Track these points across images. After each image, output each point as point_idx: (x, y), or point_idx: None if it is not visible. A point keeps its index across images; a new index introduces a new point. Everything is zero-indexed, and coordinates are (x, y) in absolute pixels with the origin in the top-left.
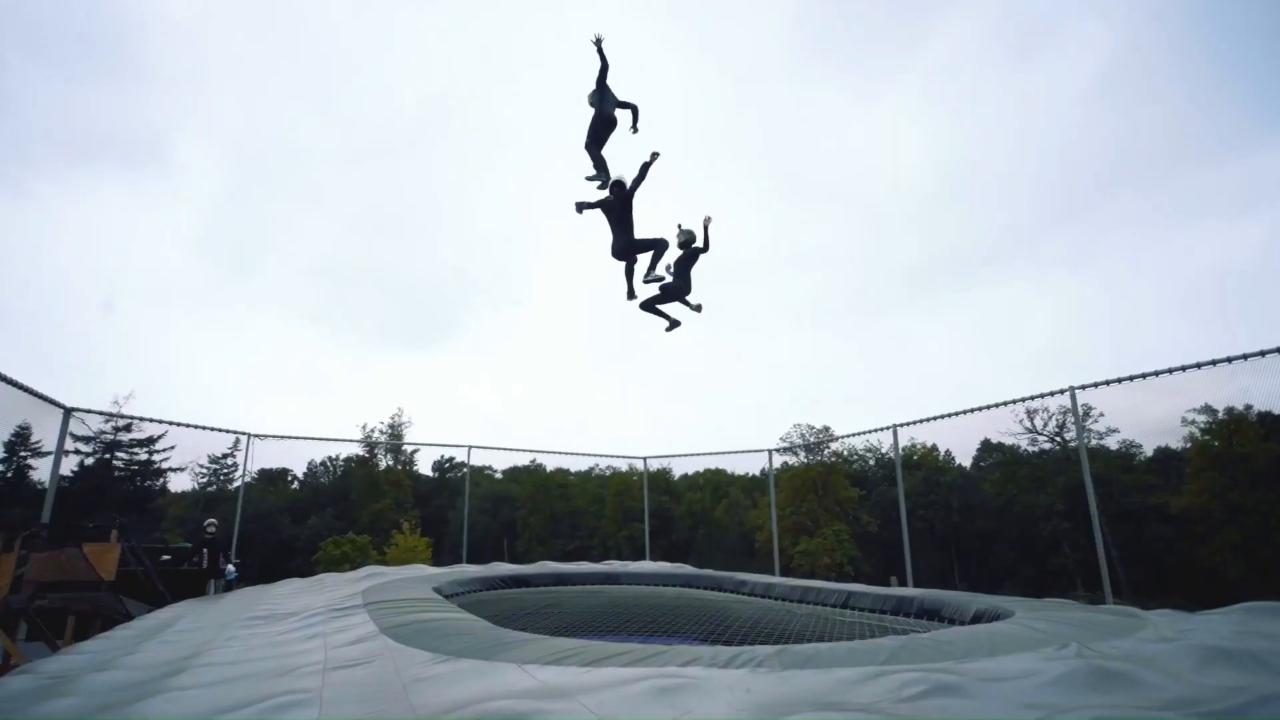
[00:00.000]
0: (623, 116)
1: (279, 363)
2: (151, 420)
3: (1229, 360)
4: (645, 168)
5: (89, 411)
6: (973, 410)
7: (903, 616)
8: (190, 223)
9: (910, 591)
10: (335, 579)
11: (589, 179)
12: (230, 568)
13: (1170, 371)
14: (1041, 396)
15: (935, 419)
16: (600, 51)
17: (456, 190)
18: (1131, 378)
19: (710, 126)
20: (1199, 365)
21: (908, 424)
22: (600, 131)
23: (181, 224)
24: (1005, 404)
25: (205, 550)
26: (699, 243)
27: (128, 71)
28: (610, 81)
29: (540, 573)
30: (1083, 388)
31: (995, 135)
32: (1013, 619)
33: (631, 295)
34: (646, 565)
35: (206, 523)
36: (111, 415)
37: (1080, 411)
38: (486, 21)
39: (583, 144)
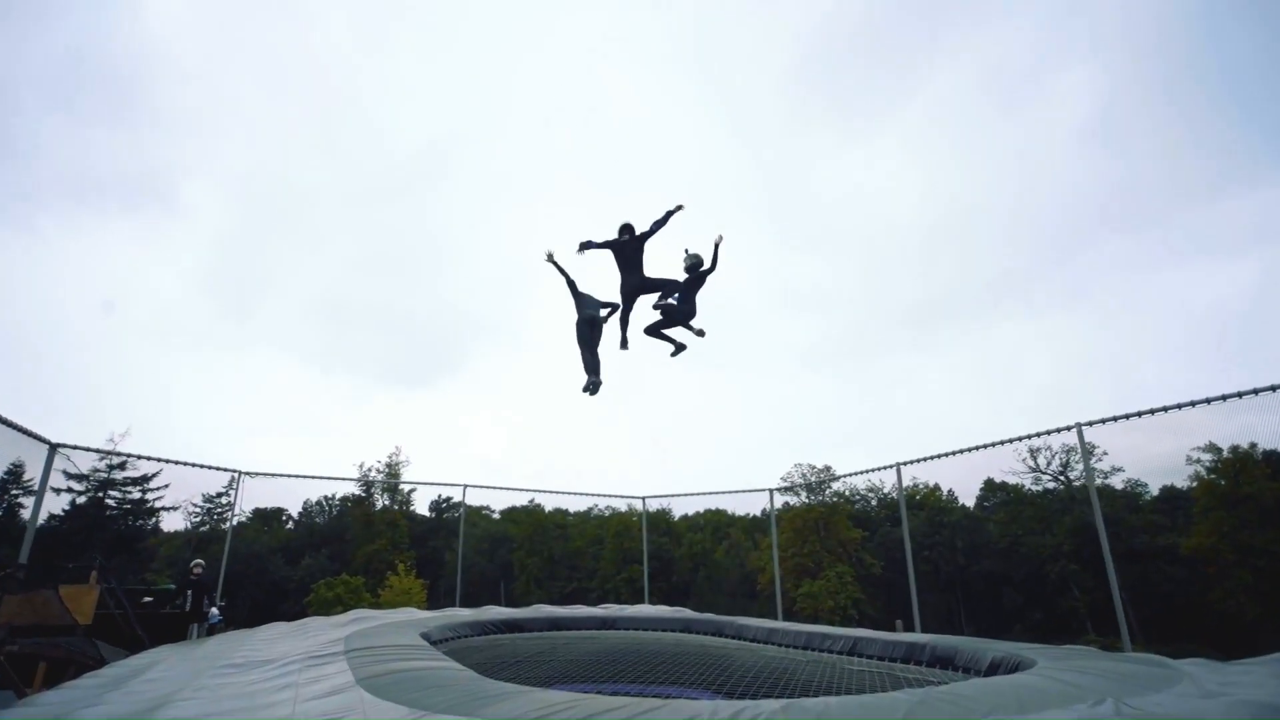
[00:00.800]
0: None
1: (277, 402)
2: (141, 457)
3: (1239, 395)
4: (668, 215)
5: (74, 448)
6: (978, 448)
7: (914, 665)
8: (193, 262)
9: (921, 638)
10: (320, 623)
11: (584, 390)
12: (214, 611)
13: (1179, 407)
14: (1048, 433)
15: (939, 457)
16: (557, 267)
17: (456, 231)
18: (1140, 413)
19: (711, 168)
20: (1208, 400)
21: (911, 462)
22: (588, 335)
23: (184, 264)
24: (1011, 441)
25: (190, 592)
26: (706, 264)
27: (136, 115)
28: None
29: (534, 617)
30: (1090, 424)
31: (992, 177)
32: (1035, 669)
33: (625, 345)
34: (644, 609)
35: (193, 563)
36: (99, 451)
37: (1087, 449)
38: (488, 67)
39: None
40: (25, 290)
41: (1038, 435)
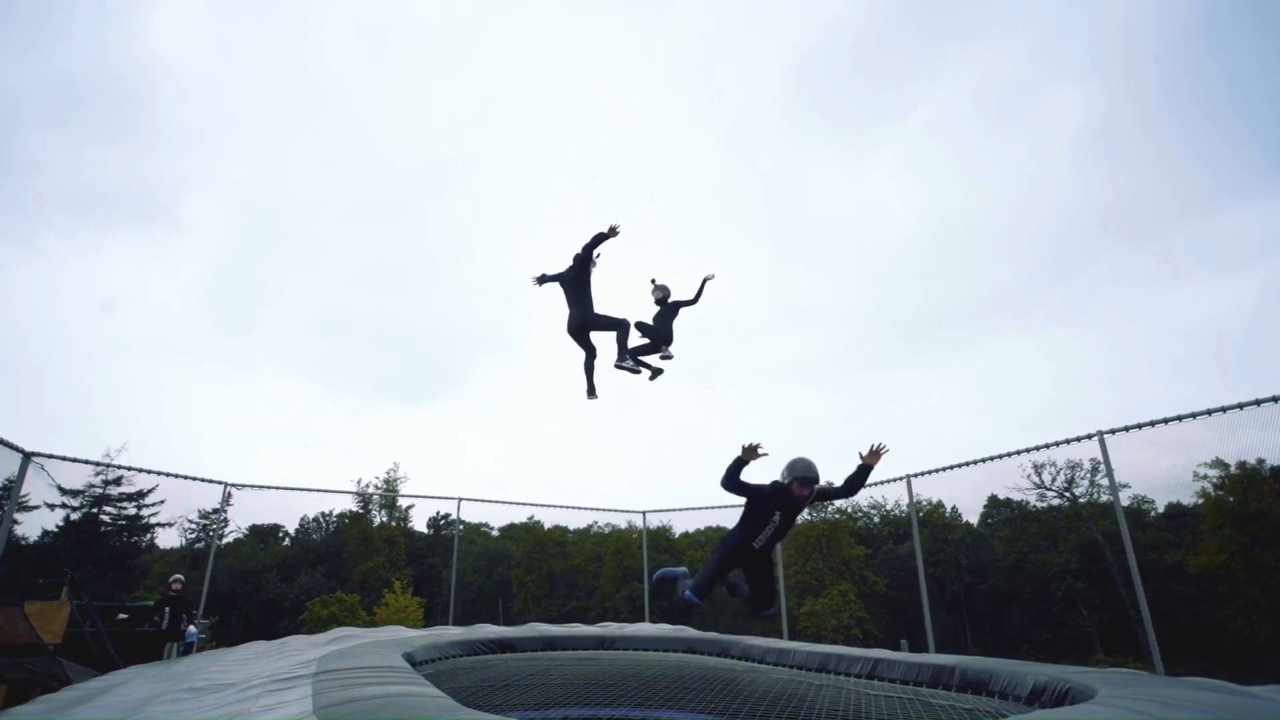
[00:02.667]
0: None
1: (276, 417)
2: (123, 468)
3: (1274, 400)
4: (602, 237)
5: (49, 457)
6: (992, 459)
7: (943, 689)
8: (193, 276)
9: (949, 659)
10: (301, 642)
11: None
12: (192, 629)
13: (1209, 413)
14: (1068, 442)
15: (950, 469)
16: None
17: (455, 246)
18: (1167, 420)
19: (709, 182)
20: (1240, 406)
21: (921, 474)
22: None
23: (184, 278)
24: (1029, 450)
25: (168, 609)
26: (678, 297)
27: (137, 130)
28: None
29: (527, 636)
30: (1112, 432)
31: (990, 192)
32: (1100, 699)
33: (592, 393)
34: (644, 628)
35: (171, 579)
36: (76, 460)
37: (1095, 463)
38: (486, 82)
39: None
40: (24, 304)
41: (1058, 444)
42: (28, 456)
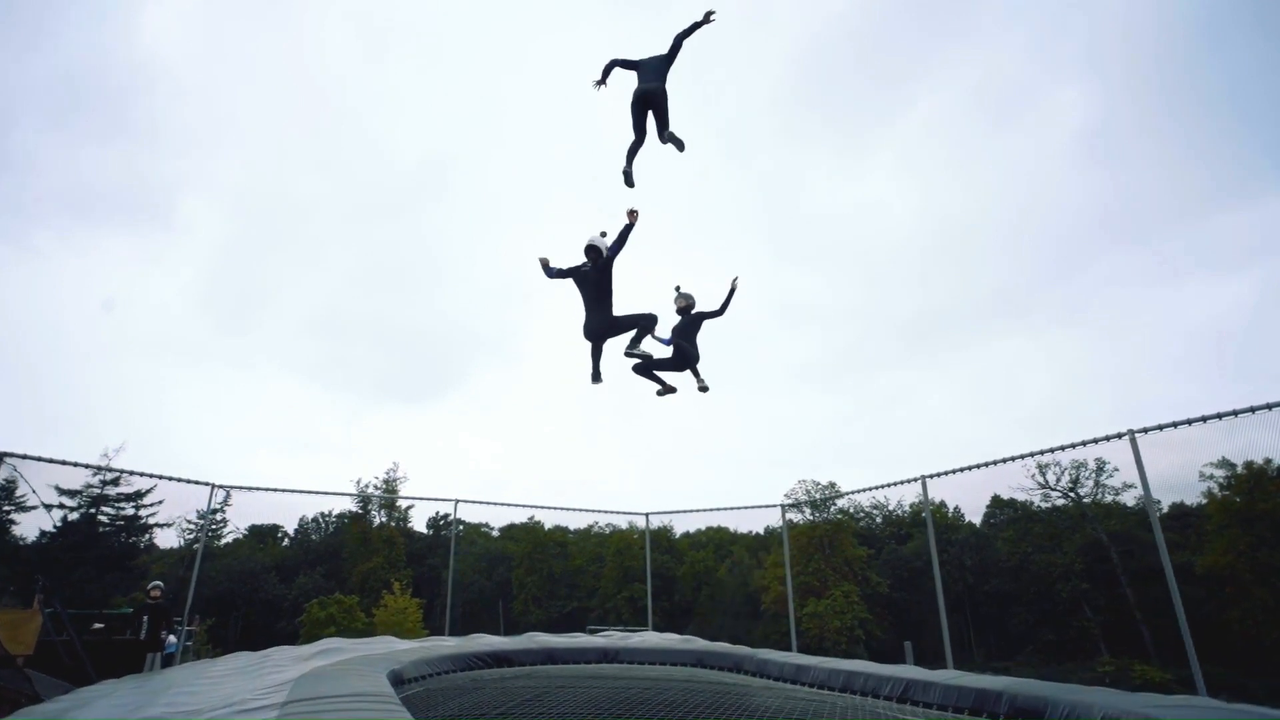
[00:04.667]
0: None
1: (275, 417)
2: (112, 470)
3: None
4: (628, 230)
5: (23, 457)
6: (1010, 459)
7: (988, 718)
8: (191, 277)
9: (993, 681)
10: (284, 655)
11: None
12: (171, 639)
13: (1253, 410)
14: (1097, 441)
15: (967, 469)
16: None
17: (454, 246)
18: (1206, 418)
19: (707, 183)
20: (1269, 407)
21: (936, 475)
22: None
23: (183, 279)
24: (1055, 450)
25: (146, 618)
26: (705, 306)
27: (135, 130)
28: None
29: (526, 649)
30: (1144, 431)
31: (988, 192)
32: None
33: (597, 378)
34: (650, 638)
35: (150, 585)
36: (54, 461)
37: (1140, 459)
38: (484, 82)
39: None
40: (22, 305)
41: (1088, 443)
42: (1, 457)
